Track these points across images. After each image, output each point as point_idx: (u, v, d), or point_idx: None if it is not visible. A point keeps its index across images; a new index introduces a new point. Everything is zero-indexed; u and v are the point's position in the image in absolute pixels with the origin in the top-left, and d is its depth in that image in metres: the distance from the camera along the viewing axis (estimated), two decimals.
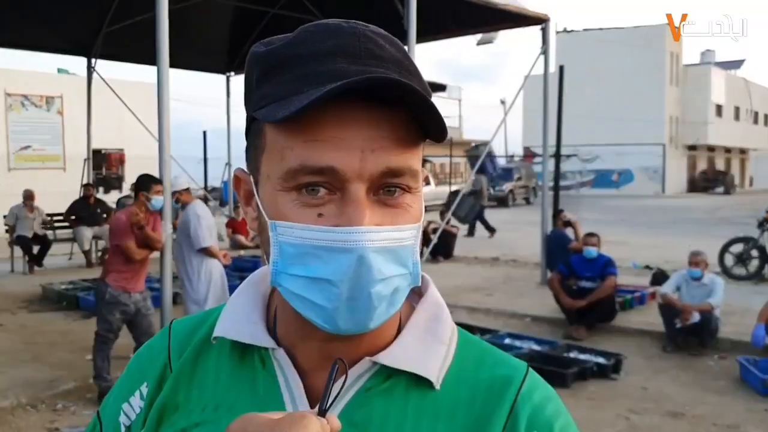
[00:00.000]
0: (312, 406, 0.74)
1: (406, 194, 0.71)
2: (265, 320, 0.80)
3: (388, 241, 0.68)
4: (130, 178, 5.59)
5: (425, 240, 11.42)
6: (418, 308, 0.81)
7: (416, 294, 0.82)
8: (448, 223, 12.54)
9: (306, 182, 0.68)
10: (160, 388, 0.82)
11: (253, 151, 0.74)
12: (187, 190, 6.37)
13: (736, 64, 48.28)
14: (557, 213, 10.69)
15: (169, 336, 0.86)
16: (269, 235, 0.71)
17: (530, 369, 0.80)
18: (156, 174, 5.59)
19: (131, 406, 0.84)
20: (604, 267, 7.78)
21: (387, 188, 0.69)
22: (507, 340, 6.86)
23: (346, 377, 0.66)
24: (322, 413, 0.62)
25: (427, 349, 0.77)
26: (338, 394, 0.65)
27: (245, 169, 0.78)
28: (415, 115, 0.68)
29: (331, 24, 0.71)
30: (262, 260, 5.73)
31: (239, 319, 0.80)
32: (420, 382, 0.75)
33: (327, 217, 0.68)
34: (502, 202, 29.63)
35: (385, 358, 0.75)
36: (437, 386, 0.75)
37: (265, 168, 0.72)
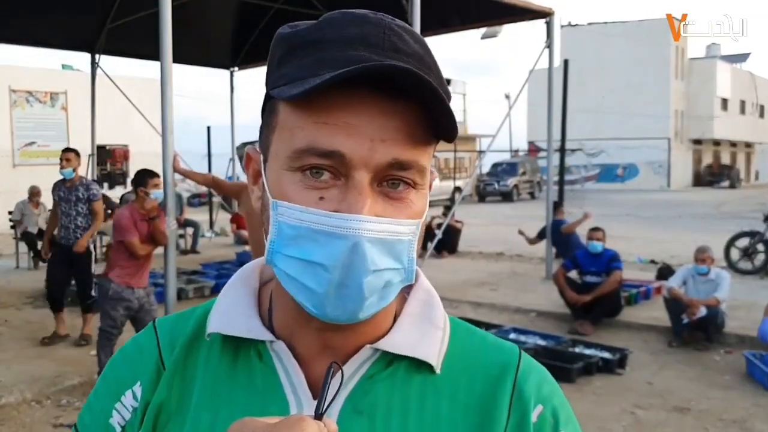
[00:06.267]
0: (314, 397, 0.74)
1: (411, 189, 0.70)
2: (258, 314, 0.80)
3: (386, 233, 0.67)
4: (134, 173, 5.64)
5: (430, 235, 11.42)
6: (410, 296, 0.82)
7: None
8: (452, 217, 12.52)
9: (311, 164, 0.68)
10: (154, 387, 0.80)
11: (266, 130, 0.74)
12: None
13: (742, 57, 48.10)
14: (557, 205, 11.04)
15: (156, 333, 0.84)
16: (270, 214, 0.71)
17: (522, 351, 0.83)
18: (159, 170, 5.59)
19: (124, 406, 0.81)
20: (610, 261, 7.76)
21: (392, 180, 0.69)
22: (512, 335, 6.85)
23: (342, 381, 0.66)
24: (319, 417, 0.61)
25: (425, 334, 0.78)
26: (334, 397, 0.65)
27: (257, 148, 0.78)
28: (428, 111, 0.67)
29: (358, 13, 0.70)
30: (252, 256, 5.65)
31: (234, 314, 0.79)
32: (420, 366, 0.77)
33: (328, 201, 0.67)
34: (506, 197, 29.64)
35: (386, 344, 0.75)
36: (437, 370, 0.77)
37: (275, 146, 0.72)
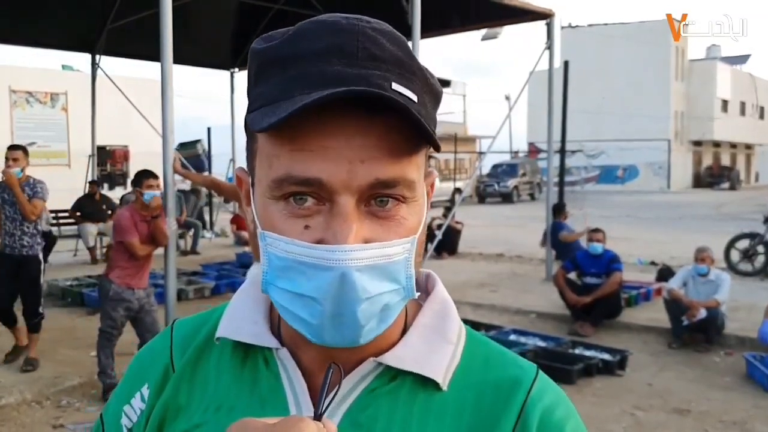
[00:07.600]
0: (315, 407, 0.72)
1: (401, 205, 0.67)
2: (269, 320, 0.79)
3: (375, 258, 0.65)
4: (134, 174, 5.52)
5: (430, 236, 11.42)
6: (424, 306, 0.79)
7: (423, 292, 0.80)
8: (452, 218, 12.52)
9: (292, 192, 0.66)
10: (161, 389, 0.80)
11: (250, 154, 0.73)
12: None
13: (742, 59, 48.13)
14: (560, 207, 10.96)
15: (171, 336, 0.85)
16: (259, 243, 0.69)
17: (540, 371, 0.78)
18: (159, 170, 5.58)
19: (132, 408, 0.82)
20: (610, 263, 7.76)
21: (380, 198, 0.66)
22: (512, 337, 6.84)
23: (340, 383, 0.65)
24: (318, 417, 0.61)
25: (434, 349, 0.75)
26: (333, 398, 0.64)
27: (245, 169, 0.76)
28: (409, 121, 0.64)
29: (329, 20, 0.67)
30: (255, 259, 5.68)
31: (242, 319, 0.78)
32: (426, 382, 0.73)
33: (314, 230, 0.65)
34: (506, 198, 29.64)
35: (390, 358, 0.73)
36: (444, 387, 0.73)
37: (258, 173, 0.70)
